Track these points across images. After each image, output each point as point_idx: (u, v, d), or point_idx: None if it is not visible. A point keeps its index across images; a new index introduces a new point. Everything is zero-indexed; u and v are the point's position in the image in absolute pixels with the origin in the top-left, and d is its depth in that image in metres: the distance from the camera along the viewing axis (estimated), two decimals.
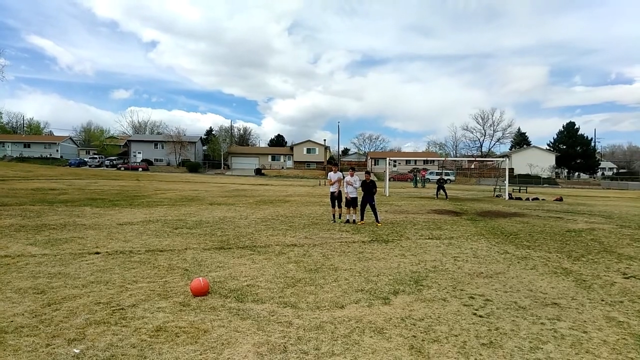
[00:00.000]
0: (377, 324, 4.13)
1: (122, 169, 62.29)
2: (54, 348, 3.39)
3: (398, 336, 3.85)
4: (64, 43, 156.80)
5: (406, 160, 77.52)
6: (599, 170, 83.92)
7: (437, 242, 9.07)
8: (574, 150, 75.81)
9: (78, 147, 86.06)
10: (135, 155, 75.87)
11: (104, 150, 79.13)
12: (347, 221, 11.80)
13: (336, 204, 12.16)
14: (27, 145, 76.35)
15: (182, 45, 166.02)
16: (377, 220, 11.65)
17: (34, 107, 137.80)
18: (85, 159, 69.75)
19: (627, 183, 58.87)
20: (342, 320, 4.21)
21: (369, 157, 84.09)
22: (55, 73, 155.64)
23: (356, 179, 12.12)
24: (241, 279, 5.68)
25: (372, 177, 12.17)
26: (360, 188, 11.98)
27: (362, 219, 11.86)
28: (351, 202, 11.90)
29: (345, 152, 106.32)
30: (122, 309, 4.37)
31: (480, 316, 4.46)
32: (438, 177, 28.78)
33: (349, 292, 5.21)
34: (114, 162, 67.69)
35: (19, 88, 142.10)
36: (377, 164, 74.01)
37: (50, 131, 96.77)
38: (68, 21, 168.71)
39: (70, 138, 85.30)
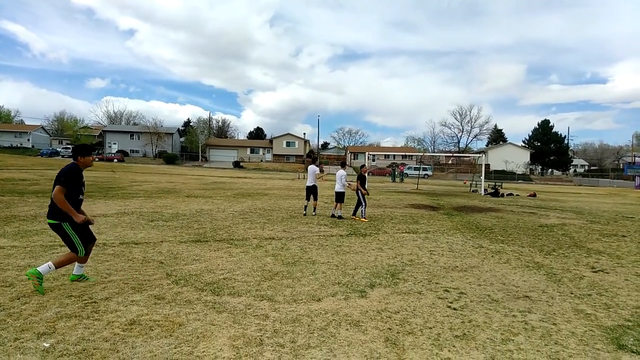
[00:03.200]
0: (353, 317, 4.16)
1: (97, 159, 60.86)
2: (22, 342, 3.30)
3: (374, 329, 3.88)
4: (37, 29, 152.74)
5: (385, 155, 78.13)
6: (572, 167, 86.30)
7: (414, 236, 9.18)
8: (548, 148, 77.68)
9: (50, 136, 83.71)
10: (110, 146, 74.35)
11: (77, 141, 76.96)
12: (333, 216, 11.77)
13: (311, 197, 12.09)
14: None
15: (161, 35, 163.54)
16: (354, 215, 11.70)
17: (5, 94, 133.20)
18: (57, 149, 67.91)
19: (598, 180, 60.77)
20: (318, 313, 4.22)
21: (348, 152, 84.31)
22: (28, 60, 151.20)
23: (343, 173, 12.08)
24: (217, 272, 5.63)
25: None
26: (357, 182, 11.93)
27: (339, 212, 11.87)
28: (339, 197, 11.86)
29: (325, 146, 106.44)
30: (95, 302, 4.28)
31: (455, 309, 4.53)
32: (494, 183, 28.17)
33: (326, 285, 5.23)
34: None
35: None
36: (356, 158, 74.30)
37: (21, 120, 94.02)
38: (42, 7, 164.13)
39: (43, 127, 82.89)
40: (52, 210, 4.59)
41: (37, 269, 4.51)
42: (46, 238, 7.35)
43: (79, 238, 4.68)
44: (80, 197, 4.79)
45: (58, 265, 4.67)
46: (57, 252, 6.31)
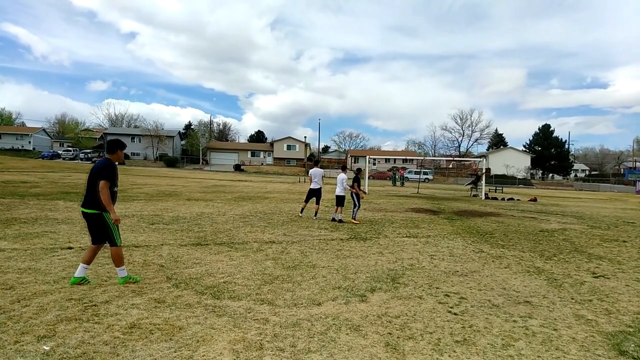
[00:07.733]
0: (353, 321, 4.15)
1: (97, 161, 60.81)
2: (22, 345, 3.29)
3: (374, 333, 3.88)
4: (39, 32, 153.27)
5: (385, 159, 78.15)
6: (572, 171, 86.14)
7: (415, 240, 9.17)
8: (548, 152, 77.68)
9: (52, 139, 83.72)
10: None
11: (78, 143, 77.21)
12: (333, 219, 11.73)
13: (309, 200, 12.42)
14: None
15: (162, 38, 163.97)
16: (354, 218, 11.70)
17: (7, 97, 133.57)
18: (59, 152, 67.92)
19: (599, 185, 60.63)
20: (318, 318, 4.21)
21: (349, 155, 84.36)
22: (30, 62, 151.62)
23: (344, 176, 12.09)
24: (218, 276, 5.63)
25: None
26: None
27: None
28: (339, 201, 11.86)
29: (326, 149, 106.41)
30: (95, 305, 4.27)
31: (455, 314, 4.53)
32: (474, 177, 28.38)
33: (327, 290, 5.22)
34: (89, 155, 66.13)
35: None
36: (357, 162, 74.31)
37: (23, 122, 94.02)
38: (44, 9, 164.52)
39: (44, 130, 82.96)
40: (91, 200, 4.84)
41: (74, 274, 4.92)
42: (47, 241, 7.36)
43: (117, 229, 4.98)
44: (115, 189, 5.05)
45: (117, 264, 5.01)
46: (58, 255, 6.32)
